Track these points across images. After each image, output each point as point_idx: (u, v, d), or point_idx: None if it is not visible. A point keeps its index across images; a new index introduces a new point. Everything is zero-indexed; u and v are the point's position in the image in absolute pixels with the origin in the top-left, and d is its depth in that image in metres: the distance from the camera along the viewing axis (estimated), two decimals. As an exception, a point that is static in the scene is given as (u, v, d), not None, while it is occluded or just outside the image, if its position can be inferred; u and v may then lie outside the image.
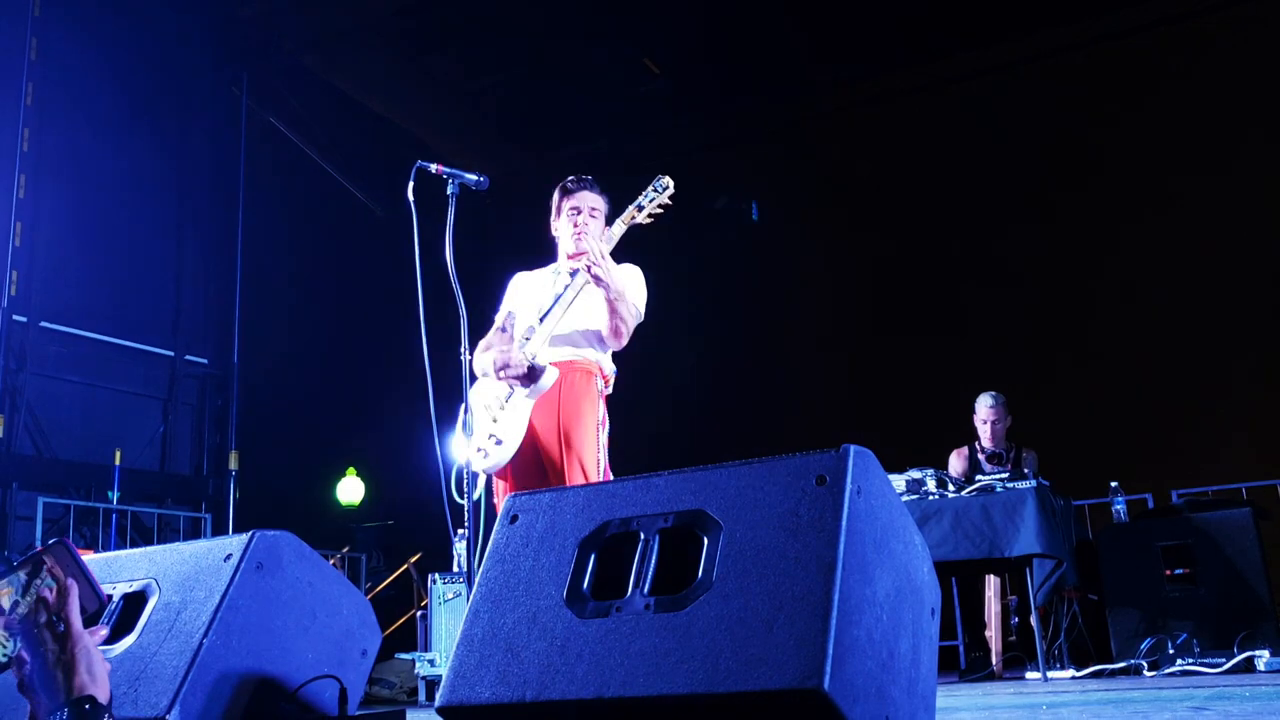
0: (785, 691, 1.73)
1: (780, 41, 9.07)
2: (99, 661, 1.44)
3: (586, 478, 3.48)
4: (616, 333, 3.62)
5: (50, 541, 1.49)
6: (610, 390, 3.74)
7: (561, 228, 3.86)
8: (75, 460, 7.62)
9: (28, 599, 1.43)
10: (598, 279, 3.51)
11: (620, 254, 3.78)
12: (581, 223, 3.79)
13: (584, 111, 9.67)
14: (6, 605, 1.44)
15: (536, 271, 3.95)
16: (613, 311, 3.58)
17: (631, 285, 3.72)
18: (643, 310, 3.76)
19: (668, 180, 3.78)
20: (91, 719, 1.35)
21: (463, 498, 3.43)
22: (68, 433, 7.65)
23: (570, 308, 3.66)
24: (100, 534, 7.44)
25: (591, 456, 3.51)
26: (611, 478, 3.51)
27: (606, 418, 3.65)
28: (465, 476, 3.37)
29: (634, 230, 3.83)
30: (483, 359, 3.68)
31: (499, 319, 3.85)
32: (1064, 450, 7.07)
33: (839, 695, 1.72)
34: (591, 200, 3.86)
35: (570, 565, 2.12)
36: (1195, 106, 8.16)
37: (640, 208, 3.77)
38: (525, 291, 3.88)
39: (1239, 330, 7.75)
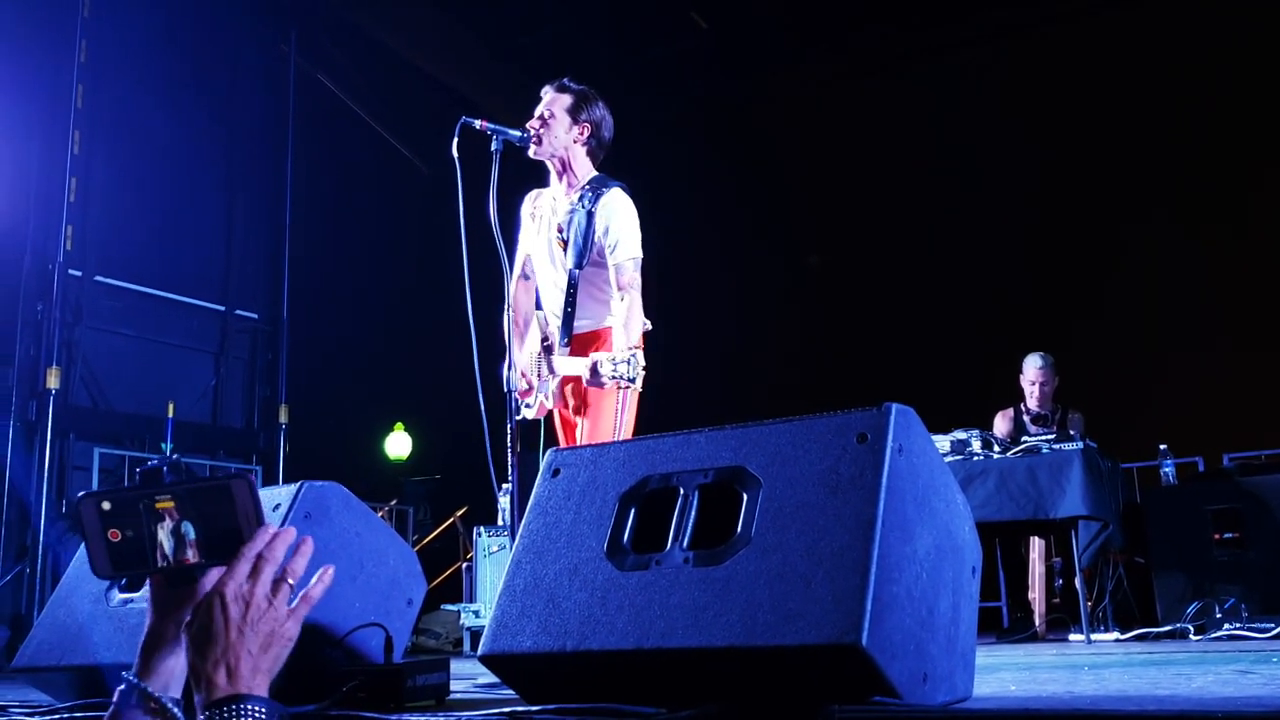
0: (823, 647, 1.74)
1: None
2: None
3: (598, 430, 3.48)
4: (631, 322, 3.49)
5: (232, 472, 1.41)
6: (649, 327, 3.66)
7: None
8: (130, 412, 7.76)
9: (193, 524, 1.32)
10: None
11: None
12: (538, 127, 3.59)
13: (630, 66, 9.61)
14: (169, 522, 1.32)
15: (543, 200, 3.78)
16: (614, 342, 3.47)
17: (624, 239, 3.54)
18: (639, 247, 3.57)
19: (640, 361, 3.20)
20: None
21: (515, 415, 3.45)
22: (122, 385, 7.78)
23: (575, 311, 3.57)
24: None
25: (610, 411, 3.49)
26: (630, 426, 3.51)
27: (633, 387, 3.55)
28: (510, 415, 3.39)
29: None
30: (515, 348, 3.55)
31: (518, 260, 3.76)
32: (1114, 413, 6.99)
33: (876, 651, 1.73)
34: (547, 100, 3.66)
35: (611, 519, 2.14)
36: (1240, 66, 7.98)
37: (614, 377, 3.20)
38: (535, 242, 3.75)
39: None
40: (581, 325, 3.61)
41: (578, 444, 3.54)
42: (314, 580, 1.34)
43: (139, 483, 1.37)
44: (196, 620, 1.25)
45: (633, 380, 3.15)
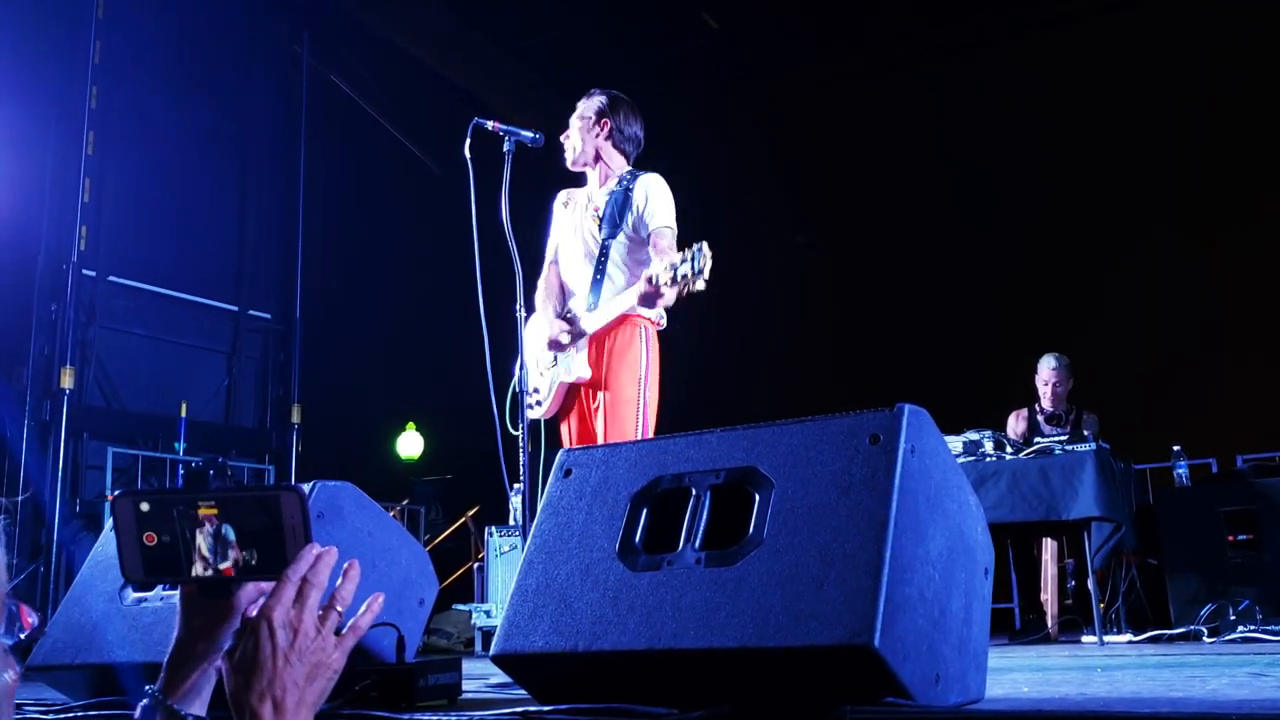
0: (835, 648, 1.74)
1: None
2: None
3: (620, 428, 3.47)
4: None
5: (281, 483, 1.31)
6: (664, 325, 3.66)
7: None
8: (143, 412, 7.80)
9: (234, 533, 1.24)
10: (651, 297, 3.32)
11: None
12: (567, 135, 3.73)
13: (640, 67, 9.61)
14: (209, 529, 1.24)
15: (579, 193, 3.84)
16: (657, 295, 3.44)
17: (659, 210, 3.60)
18: (674, 221, 3.62)
19: (706, 253, 3.09)
20: None
21: (516, 429, 3.48)
22: (135, 385, 7.82)
23: (606, 276, 3.60)
24: (167, 484, 7.62)
25: (630, 410, 3.49)
26: (651, 433, 3.49)
27: (653, 370, 3.54)
28: (522, 415, 3.41)
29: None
30: (538, 317, 3.70)
31: (549, 251, 3.85)
32: (1127, 414, 6.96)
33: (889, 652, 1.73)
34: (579, 109, 3.77)
35: (623, 519, 2.14)
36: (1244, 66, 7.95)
37: (675, 281, 3.15)
38: (566, 228, 3.81)
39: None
40: (609, 294, 3.61)
41: (596, 438, 3.54)
42: (363, 609, 1.25)
43: (182, 485, 1.27)
44: (239, 647, 1.17)
45: (700, 272, 3.05)
